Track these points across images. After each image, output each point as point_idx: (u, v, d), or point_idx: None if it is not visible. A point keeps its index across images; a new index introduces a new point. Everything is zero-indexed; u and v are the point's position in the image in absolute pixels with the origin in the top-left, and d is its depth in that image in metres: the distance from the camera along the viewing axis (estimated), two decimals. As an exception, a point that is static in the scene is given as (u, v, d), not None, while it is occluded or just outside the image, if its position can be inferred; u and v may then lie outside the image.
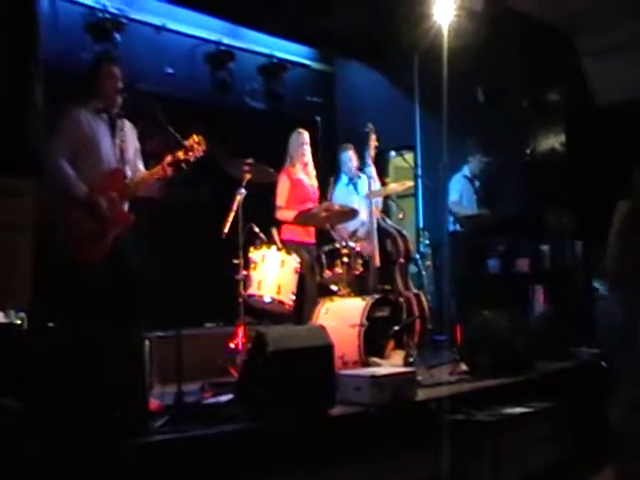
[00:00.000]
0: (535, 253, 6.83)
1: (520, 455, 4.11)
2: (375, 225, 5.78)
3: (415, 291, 6.06)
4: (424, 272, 6.52)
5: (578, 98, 7.35)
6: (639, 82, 6.66)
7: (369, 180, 5.94)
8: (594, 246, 5.84)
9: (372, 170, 6.04)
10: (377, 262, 5.61)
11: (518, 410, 4.21)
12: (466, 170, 6.86)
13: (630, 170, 4.52)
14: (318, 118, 5.91)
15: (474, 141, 6.87)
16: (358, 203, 5.90)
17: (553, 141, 7.13)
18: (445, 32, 5.59)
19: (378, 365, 4.44)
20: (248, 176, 4.63)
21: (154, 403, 3.24)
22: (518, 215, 6.76)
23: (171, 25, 6.81)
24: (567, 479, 4.36)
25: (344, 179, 6.19)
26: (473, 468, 3.84)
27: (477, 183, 6.81)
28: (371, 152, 6.07)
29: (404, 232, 6.18)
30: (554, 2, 6.50)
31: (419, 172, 7.20)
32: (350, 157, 6.12)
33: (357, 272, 5.11)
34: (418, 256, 6.81)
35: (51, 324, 3.61)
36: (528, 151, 7.13)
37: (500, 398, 4.31)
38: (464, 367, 4.86)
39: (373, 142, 6.05)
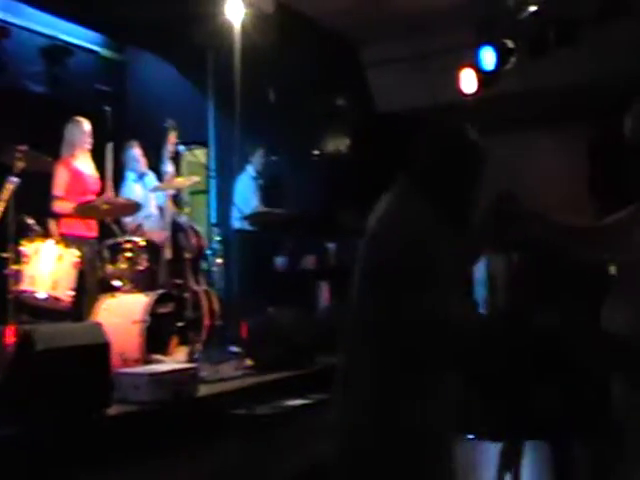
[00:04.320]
0: (321, 251, 7.11)
1: (301, 444, 4.25)
2: (169, 219, 5.70)
3: (205, 287, 6.03)
4: (214, 268, 6.50)
5: (363, 104, 7.76)
6: (415, 93, 7.20)
7: (165, 176, 5.82)
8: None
9: (169, 166, 5.92)
10: (168, 254, 5.53)
11: (298, 402, 4.35)
12: (250, 169, 6.91)
13: None
14: (107, 108, 5.60)
15: (256, 140, 6.95)
16: (147, 198, 5.78)
17: (339, 143, 7.46)
18: (237, 31, 5.63)
19: (160, 362, 4.37)
20: (21, 164, 4.34)
21: None
22: (306, 213, 6.97)
23: None
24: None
25: (131, 176, 6.04)
26: (256, 460, 3.91)
27: (260, 181, 6.92)
28: (169, 148, 5.94)
29: (197, 228, 6.15)
30: (340, 12, 6.79)
31: (211, 168, 7.17)
32: (136, 155, 6.03)
33: (141, 267, 4.97)
34: (209, 252, 6.78)
35: None
36: (316, 152, 7.39)
37: (282, 391, 4.43)
38: (249, 362, 4.93)
39: (172, 138, 5.91)
